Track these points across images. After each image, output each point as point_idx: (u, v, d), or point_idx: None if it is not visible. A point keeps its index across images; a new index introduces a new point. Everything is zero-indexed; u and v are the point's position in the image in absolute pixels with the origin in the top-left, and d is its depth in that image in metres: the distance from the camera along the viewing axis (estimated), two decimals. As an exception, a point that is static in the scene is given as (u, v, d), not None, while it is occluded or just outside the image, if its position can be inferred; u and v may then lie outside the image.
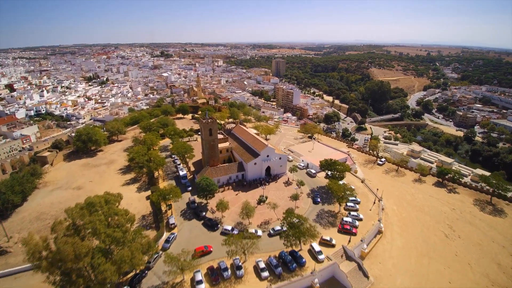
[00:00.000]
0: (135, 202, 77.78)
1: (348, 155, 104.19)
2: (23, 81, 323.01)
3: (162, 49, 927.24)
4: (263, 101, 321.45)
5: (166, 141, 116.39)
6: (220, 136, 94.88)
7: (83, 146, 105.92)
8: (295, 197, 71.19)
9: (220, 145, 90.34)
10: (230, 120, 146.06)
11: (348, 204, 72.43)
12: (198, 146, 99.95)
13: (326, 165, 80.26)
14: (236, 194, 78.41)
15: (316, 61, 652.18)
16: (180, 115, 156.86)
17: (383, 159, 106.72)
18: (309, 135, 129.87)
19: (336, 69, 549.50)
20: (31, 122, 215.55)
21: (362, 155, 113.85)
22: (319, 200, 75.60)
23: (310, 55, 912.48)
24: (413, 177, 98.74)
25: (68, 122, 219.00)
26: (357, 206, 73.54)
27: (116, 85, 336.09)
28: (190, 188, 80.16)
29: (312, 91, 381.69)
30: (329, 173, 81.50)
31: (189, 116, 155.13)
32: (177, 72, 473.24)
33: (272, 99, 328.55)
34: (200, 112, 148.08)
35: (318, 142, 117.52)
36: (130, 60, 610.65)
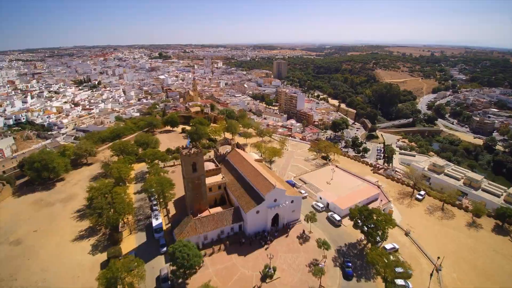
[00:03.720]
0: (85, 272, 53.24)
1: (379, 187, 79.40)
2: (8, 85, 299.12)
3: (161, 50, 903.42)
4: (265, 105, 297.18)
5: (144, 166, 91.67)
6: (210, 166, 70.40)
7: (36, 176, 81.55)
8: (318, 272, 46.75)
9: (210, 180, 65.81)
10: (228, 134, 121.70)
11: (398, 282, 47.75)
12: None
13: (360, 215, 55.50)
14: (217, 254, 53.63)
15: (318, 62, 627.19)
16: (168, 128, 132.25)
17: (422, 192, 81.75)
18: (323, 155, 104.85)
19: (339, 71, 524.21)
20: (9, 132, 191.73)
21: (393, 184, 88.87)
22: (351, 271, 51.00)
23: (311, 56, 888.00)
24: (465, 219, 73.93)
25: (49, 132, 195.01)
26: (410, 285, 48.81)
27: (108, 89, 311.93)
28: (165, 249, 55.57)
29: (316, 94, 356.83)
30: (361, 224, 56.61)
31: (179, 128, 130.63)
32: (174, 74, 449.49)
33: (274, 103, 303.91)
34: (192, 125, 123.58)
35: (337, 167, 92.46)
36: (127, 62, 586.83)
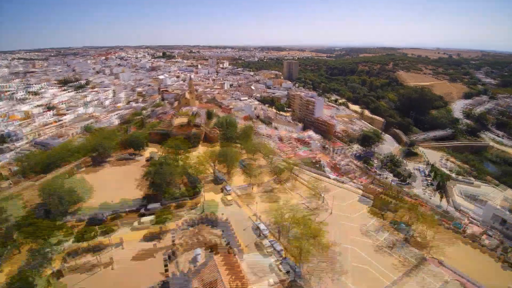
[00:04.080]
0: None
1: None
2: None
3: (167, 50, 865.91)
4: (275, 111, 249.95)
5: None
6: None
7: None
8: None
9: None
10: (222, 167, 75.54)
11: None
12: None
13: None
14: None
15: (331, 63, 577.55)
16: (131, 151, 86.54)
17: None
18: (395, 221, 57.13)
19: (355, 72, 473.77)
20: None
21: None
22: None
23: (322, 57, 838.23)
24: None
25: (6, 144, 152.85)
26: None
27: (96, 89, 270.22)
28: None
29: (333, 99, 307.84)
30: None
31: (147, 152, 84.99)
32: (175, 74, 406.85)
33: (286, 109, 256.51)
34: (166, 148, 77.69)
35: (441, 264, 44.70)
36: (128, 61, 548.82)
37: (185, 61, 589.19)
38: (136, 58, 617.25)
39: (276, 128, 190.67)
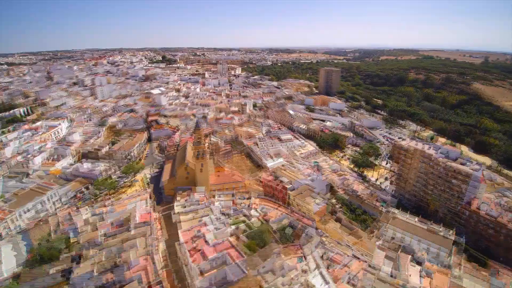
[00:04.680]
0: None
1: None
2: None
3: (169, 53, 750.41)
4: (348, 167, 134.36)
5: None
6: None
7: None
8: None
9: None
10: None
11: None
12: None
13: None
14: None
15: (365, 69, 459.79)
16: None
17: None
18: None
19: (405, 81, 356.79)
20: None
21: None
22: None
23: (340, 60, 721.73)
24: None
25: None
26: None
27: (37, 125, 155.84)
28: None
29: (413, 129, 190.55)
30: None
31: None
32: (174, 86, 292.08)
33: (378, 162, 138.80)
34: None
35: None
36: (119, 68, 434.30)
37: (188, 67, 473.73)
38: (131, 63, 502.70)
39: (398, 244, 74.05)
